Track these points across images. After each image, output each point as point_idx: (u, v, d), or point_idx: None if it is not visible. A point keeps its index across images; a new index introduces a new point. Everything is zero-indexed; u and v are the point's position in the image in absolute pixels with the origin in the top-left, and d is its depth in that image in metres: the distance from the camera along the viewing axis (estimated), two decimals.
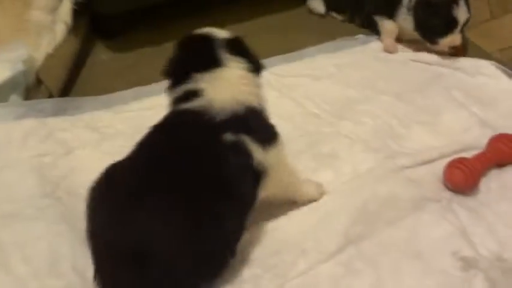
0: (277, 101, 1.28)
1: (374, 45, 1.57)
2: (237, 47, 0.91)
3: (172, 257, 0.73)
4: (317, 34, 1.63)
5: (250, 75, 0.90)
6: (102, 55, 1.46)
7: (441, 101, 1.31)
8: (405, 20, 1.49)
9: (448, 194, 1.03)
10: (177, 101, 0.87)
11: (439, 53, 1.47)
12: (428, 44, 1.47)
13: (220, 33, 0.93)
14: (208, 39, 0.91)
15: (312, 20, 1.73)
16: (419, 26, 1.46)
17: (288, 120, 1.22)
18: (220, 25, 1.60)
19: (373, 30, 1.60)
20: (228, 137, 0.79)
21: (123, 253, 0.72)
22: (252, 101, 0.87)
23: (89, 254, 0.79)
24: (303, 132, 1.19)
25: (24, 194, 0.99)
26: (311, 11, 1.75)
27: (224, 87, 0.85)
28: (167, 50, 1.48)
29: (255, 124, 0.86)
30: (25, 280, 0.83)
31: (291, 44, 1.55)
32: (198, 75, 0.86)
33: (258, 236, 0.93)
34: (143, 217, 0.72)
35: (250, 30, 1.64)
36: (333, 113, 1.25)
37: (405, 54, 1.53)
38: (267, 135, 0.88)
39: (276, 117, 1.21)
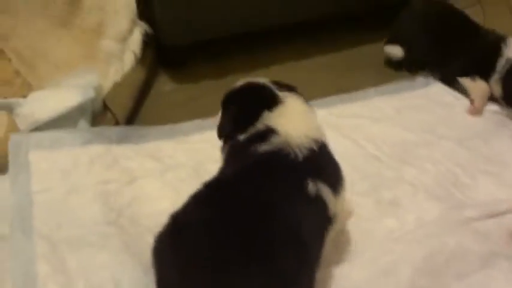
0: (336, 141, 1.26)
1: (434, 88, 1.56)
2: (284, 86, 0.92)
3: None
4: (375, 74, 1.63)
5: (310, 107, 0.91)
6: (165, 86, 1.50)
7: (507, 151, 1.28)
8: (495, 85, 1.43)
9: None
10: (246, 144, 0.84)
11: None
12: None
13: (261, 78, 0.94)
14: (255, 83, 0.92)
15: (369, 60, 1.73)
16: (507, 95, 1.40)
17: (348, 162, 1.18)
18: (279, 62, 1.65)
19: (455, 88, 1.53)
20: (310, 188, 0.77)
21: None
22: (321, 135, 0.87)
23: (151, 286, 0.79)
24: (363, 175, 1.17)
25: (89, 220, 1.00)
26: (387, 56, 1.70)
27: (295, 122, 0.84)
28: (229, 83, 1.53)
29: (327, 165, 0.85)
30: None
31: (348, 84, 1.56)
32: (264, 115, 0.86)
33: (322, 283, 0.90)
34: (218, 278, 0.68)
35: (308, 68, 1.66)
36: (394, 156, 1.23)
37: (466, 100, 1.50)
38: (338, 179, 0.87)
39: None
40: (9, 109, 1.23)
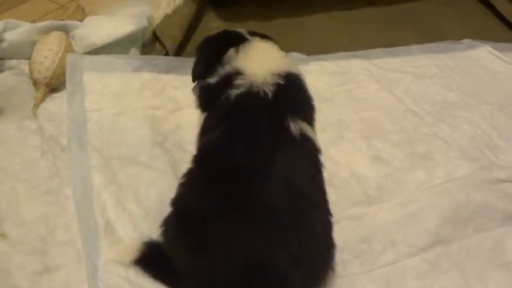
0: (377, 93, 1.30)
1: (479, 52, 1.54)
2: (257, 33, 0.98)
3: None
4: (419, 32, 1.62)
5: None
6: (213, 23, 1.52)
7: None
8: None
9: None
10: (217, 87, 0.90)
11: None
12: None
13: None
14: (228, 30, 1.01)
15: (415, 18, 1.71)
16: None
17: (386, 114, 1.24)
18: (325, 10, 1.65)
19: None
20: (293, 129, 0.80)
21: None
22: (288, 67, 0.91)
23: None
24: (399, 127, 1.20)
25: (139, 141, 1.07)
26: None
27: (258, 60, 0.90)
28: (273, 26, 1.55)
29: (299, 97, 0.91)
30: (137, 220, 0.91)
31: (392, 39, 1.55)
32: (230, 54, 0.91)
33: (347, 222, 0.95)
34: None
35: (353, 20, 1.65)
36: (432, 114, 1.25)
37: (511, 67, 1.49)
38: (312, 110, 0.92)
39: (374, 109, 1.25)
40: (66, 31, 1.29)
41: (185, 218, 0.76)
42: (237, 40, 0.92)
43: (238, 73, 0.86)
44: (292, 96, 0.86)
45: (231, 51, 0.90)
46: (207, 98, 0.92)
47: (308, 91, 0.92)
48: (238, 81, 0.84)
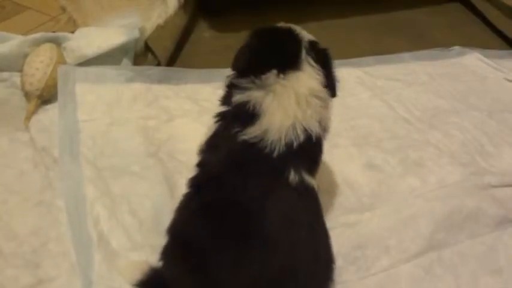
0: (369, 101, 1.31)
1: (468, 59, 1.56)
2: (317, 50, 0.82)
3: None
4: (410, 40, 1.64)
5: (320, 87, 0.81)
6: (205, 33, 1.53)
7: None
8: None
9: None
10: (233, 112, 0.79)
11: None
12: None
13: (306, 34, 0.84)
14: (293, 33, 0.83)
15: (406, 25, 1.73)
16: None
17: (378, 121, 1.25)
18: (318, 19, 1.66)
19: None
20: (292, 179, 0.74)
21: None
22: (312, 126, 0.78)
23: None
24: (391, 134, 1.21)
25: (131, 151, 1.07)
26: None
27: (286, 106, 0.76)
28: None
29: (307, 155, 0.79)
30: (132, 232, 0.91)
31: (384, 47, 1.57)
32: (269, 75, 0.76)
33: (341, 229, 0.96)
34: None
35: (345, 28, 1.67)
36: (423, 120, 1.27)
37: (500, 73, 1.51)
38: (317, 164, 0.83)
39: (366, 116, 1.26)
40: (57, 42, 1.28)
41: (185, 251, 0.72)
42: (287, 56, 0.78)
43: (257, 110, 0.75)
44: (299, 155, 0.76)
45: (273, 73, 0.76)
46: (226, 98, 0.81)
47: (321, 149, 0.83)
48: (252, 127, 0.75)
